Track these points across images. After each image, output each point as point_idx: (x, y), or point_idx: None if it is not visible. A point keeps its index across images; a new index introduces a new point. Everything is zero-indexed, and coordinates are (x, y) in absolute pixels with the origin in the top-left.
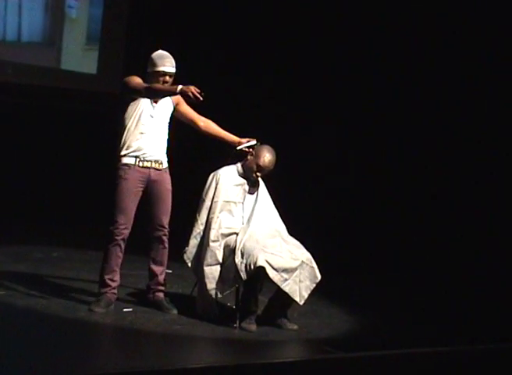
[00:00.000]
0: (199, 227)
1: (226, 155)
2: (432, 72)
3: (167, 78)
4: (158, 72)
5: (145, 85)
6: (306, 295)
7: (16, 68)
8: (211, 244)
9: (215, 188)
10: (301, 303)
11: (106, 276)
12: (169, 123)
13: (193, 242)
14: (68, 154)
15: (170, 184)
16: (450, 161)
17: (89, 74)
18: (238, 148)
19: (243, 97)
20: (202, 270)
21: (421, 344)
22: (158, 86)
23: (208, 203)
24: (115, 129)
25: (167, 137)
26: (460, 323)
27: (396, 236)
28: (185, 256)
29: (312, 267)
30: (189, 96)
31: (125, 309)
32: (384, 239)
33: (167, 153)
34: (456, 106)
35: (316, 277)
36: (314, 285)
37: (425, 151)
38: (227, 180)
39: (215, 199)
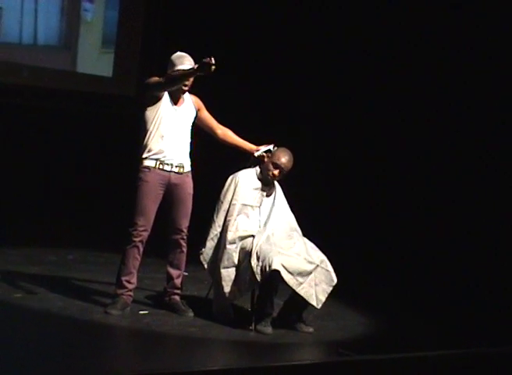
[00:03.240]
0: (216, 229)
1: (244, 162)
2: (446, 76)
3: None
4: (178, 70)
5: (164, 76)
6: (323, 299)
7: (32, 71)
8: (227, 246)
9: (234, 191)
10: (318, 307)
11: (123, 278)
12: (192, 127)
13: (210, 244)
14: (84, 156)
15: (192, 188)
16: (459, 161)
17: (105, 77)
18: (256, 154)
19: (254, 100)
20: (219, 273)
21: (436, 346)
22: (176, 72)
23: (226, 205)
24: (134, 131)
25: (190, 140)
26: (475, 325)
27: (411, 238)
28: (201, 257)
29: (328, 270)
30: (207, 67)
31: (141, 312)
32: (399, 241)
33: (190, 157)
34: (465, 108)
35: (332, 280)
36: (331, 288)
37: (435, 154)
38: (246, 184)
39: (233, 202)
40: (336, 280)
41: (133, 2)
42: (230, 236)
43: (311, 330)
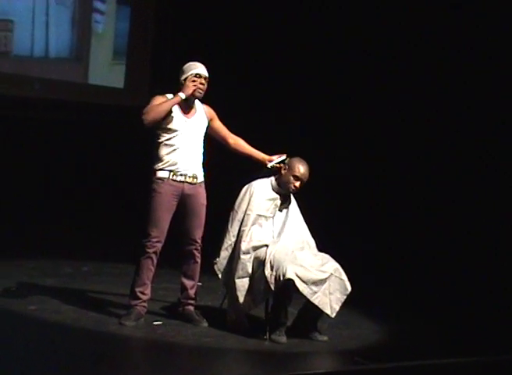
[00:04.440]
0: (230, 239)
1: (257, 172)
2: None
3: (202, 81)
4: (194, 75)
5: (149, 107)
6: (337, 308)
7: (44, 83)
8: (242, 256)
9: (249, 201)
10: (333, 316)
11: (137, 289)
12: (205, 137)
13: (225, 254)
14: (96, 168)
15: (205, 199)
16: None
17: (116, 88)
18: (269, 165)
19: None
20: (233, 283)
21: (450, 354)
22: (158, 101)
23: (240, 215)
24: (146, 142)
25: (202, 151)
26: (490, 333)
27: (425, 248)
28: (216, 267)
29: (342, 279)
30: (194, 90)
31: (155, 322)
32: (413, 251)
33: (203, 167)
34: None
35: (346, 289)
36: (345, 297)
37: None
38: (260, 194)
39: (247, 212)
40: (350, 289)
41: (143, 14)
42: (244, 246)
43: (325, 338)
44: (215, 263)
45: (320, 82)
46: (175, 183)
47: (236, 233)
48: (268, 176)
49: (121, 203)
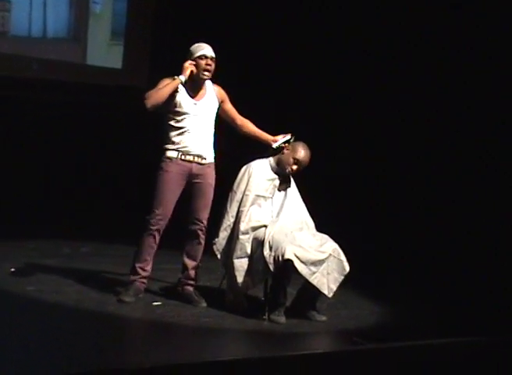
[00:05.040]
0: (229, 220)
1: (263, 153)
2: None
3: (209, 61)
4: (199, 56)
5: (152, 91)
6: (334, 288)
7: (42, 64)
8: (240, 236)
9: (247, 181)
10: (330, 296)
11: (137, 265)
12: (216, 118)
13: (224, 234)
14: (95, 148)
15: (213, 180)
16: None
17: (114, 69)
18: (274, 145)
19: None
20: (232, 263)
21: (448, 334)
22: (164, 83)
23: (239, 196)
24: (145, 123)
25: (213, 132)
26: (488, 312)
27: (423, 227)
28: (214, 248)
29: (340, 260)
30: (192, 71)
31: (154, 303)
32: (411, 230)
33: (214, 148)
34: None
35: (344, 270)
36: (343, 277)
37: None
38: (259, 174)
39: (246, 192)
40: (348, 269)
41: None
42: (243, 226)
43: (324, 319)
44: (214, 244)
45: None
46: (183, 162)
47: (234, 213)
48: (268, 156)
49: (120, 183)
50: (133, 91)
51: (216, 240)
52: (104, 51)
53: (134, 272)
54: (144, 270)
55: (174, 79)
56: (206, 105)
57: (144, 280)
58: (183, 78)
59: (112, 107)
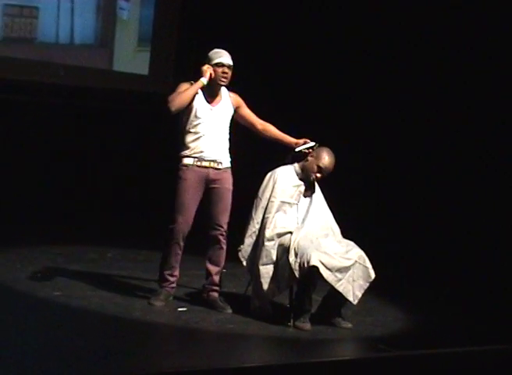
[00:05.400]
0: (255, 226)
1: (284, 156)
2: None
3: (226, 69)
4: (217, 64)
5: (174, 94)
6: (359, 295)
7: (69, 70)
8: (266, 243)
9: (272, 188)
10: (355, 303)
11: (165, 272)
12: (230, 124)
13: (249, 241)
14: (121, 154)
15: (231, 184)
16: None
17: (141, 75)
18: (297, 149)
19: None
20: (258, 269)
21: (475, 342)
22: (184, 88)
23: (264, 202)
24: (171, 128)
25: (228, 137)
26: None
27: (448, 234)
28: (240, 254)
29: (366, 267)
30: (210, 74)
31: (179, 309)
32: (436, 237)
33: (230, 153)
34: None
35: (370, 277)
36: (368, 284)
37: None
38: (284, 181)
39: (271, 199)
40: (373, 276)
41: (168, 1)
42: (268, 233)
43: (349, 325)
44: (240, 250)
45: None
46: (200, 169)
47: (260, 220)
48: (295, 161)
49: (146, 189)
50: (159, 97)
51: (242, 247)
52: (131, 58)
53: (163, 279)
54: (172, 276)
55: (192, 83)
56: (221, 111)
57: (174, 285)
58: (204, 80)
59: (138, 113)
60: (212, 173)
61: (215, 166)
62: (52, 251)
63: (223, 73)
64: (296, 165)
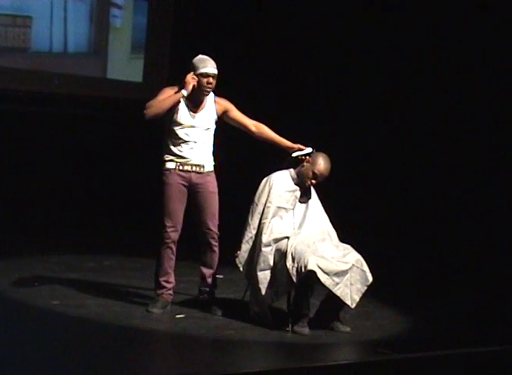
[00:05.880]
0: (251, 232)
1: (281, 161)
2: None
3: (210, 79)
4: (201, 74)
5: (153, 101)
6: (357, 298)
7: (63, 78)
8: (263, 248)
9: (268, 193)
10: (353, 306)
11: (161, 279)
12: (215, 130)
13: (246, 247)
14: (115, 162)
15: (215, 188)
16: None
17: (135, 82)
18: (294, 155)
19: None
20: (255, 275)
21: (473, 344)
22: (163, 96)
23: (260, 208)
24: (159, 136)
25: (211, 142)
26: None
27: (447, 236)
28: (237, 260)
29: (363, 270)
30: (193, 85)
31: (178, 316)
32: (435, 240)
33: (214, 158)
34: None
35: (367, 280)
36: (366, 288)
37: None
38: (280, 186)
39: (267, 204)
40: (371, 280)
41: (161, 8)
42: (265, 238)
43: (348, 329)
44: (236, 256)
45: (337, 77)
46: (182, 173)
47: (256, 225)
48: (291, 166)
49: (140, 197)
50: None
51: (238, 252)
52: (125, 65)
53: (160, 286)
54: (168, 282)
55: (176, 91)
56: (204, 118)
57: (171, 292)
58: (185, 92)
59: (133, 121)
60: (195, 177)
61: (197, 169)
62: (50, 260)
63: (208, 83)
64: (291, 170)
